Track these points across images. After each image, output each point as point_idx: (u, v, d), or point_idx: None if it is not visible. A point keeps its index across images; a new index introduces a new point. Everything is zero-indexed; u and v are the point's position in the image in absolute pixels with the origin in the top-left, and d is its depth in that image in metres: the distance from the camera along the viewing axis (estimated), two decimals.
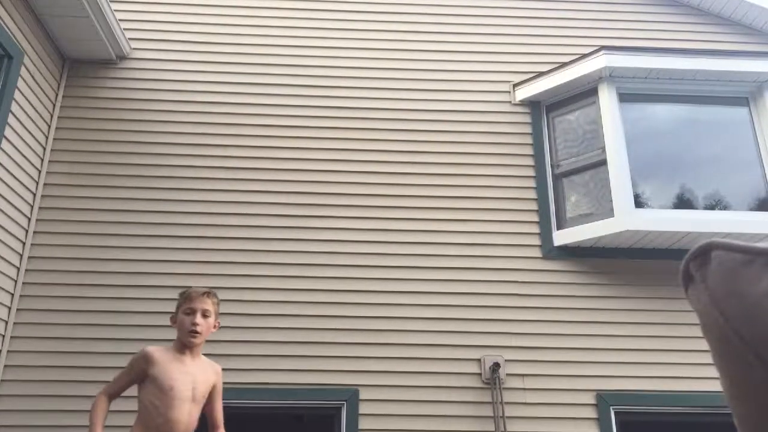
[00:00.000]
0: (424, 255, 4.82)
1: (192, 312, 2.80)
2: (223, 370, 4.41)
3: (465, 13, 5.65)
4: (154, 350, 2.78)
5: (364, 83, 5.32)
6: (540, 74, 5.29)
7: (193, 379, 2.77)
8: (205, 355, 4.44)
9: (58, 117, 4.97)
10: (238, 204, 4.87)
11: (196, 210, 4.83)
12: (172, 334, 4.58)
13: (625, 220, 4.68)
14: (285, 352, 4.50)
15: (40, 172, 4.76)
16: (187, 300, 2.83)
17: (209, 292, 2.88)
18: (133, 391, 4.31)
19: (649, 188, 5.12)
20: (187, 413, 2.71)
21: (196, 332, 2.79)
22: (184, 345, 2.81)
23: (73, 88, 5.10)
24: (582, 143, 5.11)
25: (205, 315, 2.81)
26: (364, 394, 4.41)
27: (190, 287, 2.97)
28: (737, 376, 0.40)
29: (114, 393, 2.76)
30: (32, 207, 4.65)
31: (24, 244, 4.56)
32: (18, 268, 4.48)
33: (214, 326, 2.89)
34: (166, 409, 2.66)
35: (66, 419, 4.22)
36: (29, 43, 4.56)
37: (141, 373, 2.71)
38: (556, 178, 5.12)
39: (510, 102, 5.36)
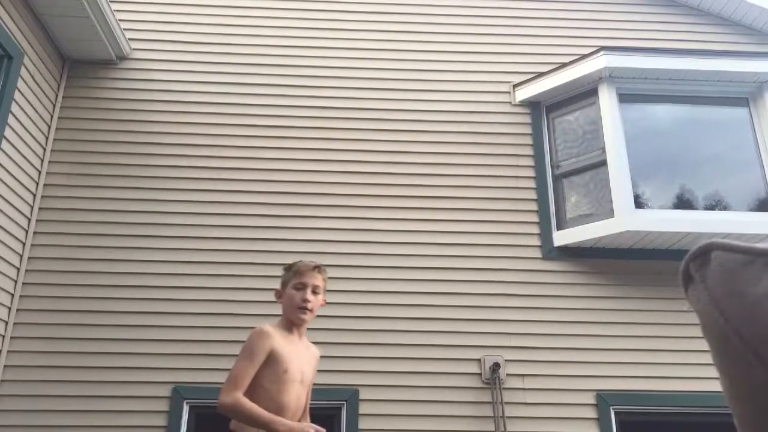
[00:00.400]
0: (424, 255, 4.82)
1: (302, 287, 2.58)
2: (222, 370, 4.43)
3: (465, 13, 5.65)
4: (269, 327, 2.52)
5: (361, 83, 5.32)
6: (540, 75, 5.29)
7: (301, 361, 2.57)
8: (200, 355, 4.47)
9: (58, 117, 4.97)
10: (238, 204, 4.87)
11: (196, 210, 4.83)
12: (178, 335, 4.61)
13: (625, 220, 4.68)
14: None
15: (40, 172, 4.76)
16: (296, 274, 2.60)
17: (319, 267, 2.66)
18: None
19: (649, 188, 5.12)
20: (296, 397, 2.51)
21: (307, 309, 2.57)
22: (291, 323, 2.59)
23: (73, 89, 5.10)
24: (582, 144, 5.11)
25: (315, 291, 2.61)
26: (364, 394, 4.41)
27: (296, 261, 2.70)
28: (737, 376, 0.40)
29: (243, 390, 2.40)
30: (32, 207, 4.65)
31: (24, 244, 4.56)
32: (18, 268, 4.48)
33: (321, 303, 2.68)
34: (277, 393, 2.43)
35: (66, 419, 4.23)
36: (29, 43, 4.56)
37: (266, 354, 2.43)
38: (556, 178, 5.12)
39: (510, 102, 5.36)
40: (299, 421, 2.55)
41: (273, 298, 4.59)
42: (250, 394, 2.39)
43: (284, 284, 2.64)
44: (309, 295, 2.57)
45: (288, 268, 2.68)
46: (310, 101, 5.23)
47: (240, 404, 2.32)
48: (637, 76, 5.14)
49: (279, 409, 2.40)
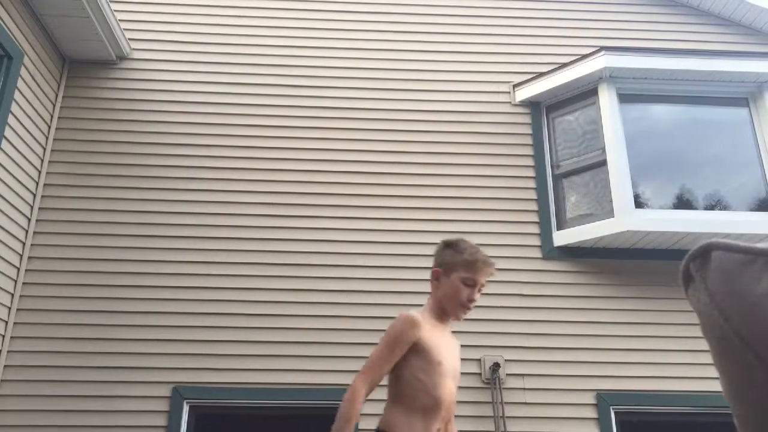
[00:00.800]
0: (424, 255, 4.81)
1: (473, 284, 2.29)
2: (222, 370, 4.44)
3: (464, 13, 5.65)
4: (417, 314, 2.23)
5: (360, 83, 5.32)
6: (540, 75, 5.29)
7: (452, 354, 2.31)
8: (200, 354, 4.47)
9: (58, 117, 4.97)
10: (237, 204, 4.87)
11: (196, 210, 4.83)
12: (179, 334, 4.62)
13: (625, 220, 4.68)
14: (285, 352, 4.50)
15: (40, 172, 4.76)
16: (471, 268, 2.28)
17: (493, 263, 2.36)
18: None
19: (649, 188, 5.12)
20: (450, 392, 2.25)
21: (469, 309, 2.32)
22: (445, 314, 2.33)
23: (73, 89, 5.10)
24: (582, 144, 5.11)
25: (479, 290, 2.32)
26: None
27: (462, 241, 2.37)
28: (737, 376, 0.40)
29: (378, 380, 2.19)
30: (32, 207, 4.65)
31: (24, 244, 4.56)
32: (18, 268, 4.48)
33: None
34: (434, 387, 2.17)
35: (66, 419, 4.22)
36: (29, 43, 4.56)
37: (409, 344, 2.16)
38: (556, 178, 5.12)
39: (510, 102, 5.36)
40: (446, 423, 2.29)
41: (273, 298, 4.63)
42: (404, 386, 2.19)
43: (449, 267, 2.32)
44: (477, 296, 2.32)
45: (456, 248, 2.34)
46: (311, 101, 5.23)
47: (354, 398, 2.15)
48: (637, 76, 5.14)
49: (436, 405, 2.18)
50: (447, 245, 2.38)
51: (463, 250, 2.32)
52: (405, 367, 2.18)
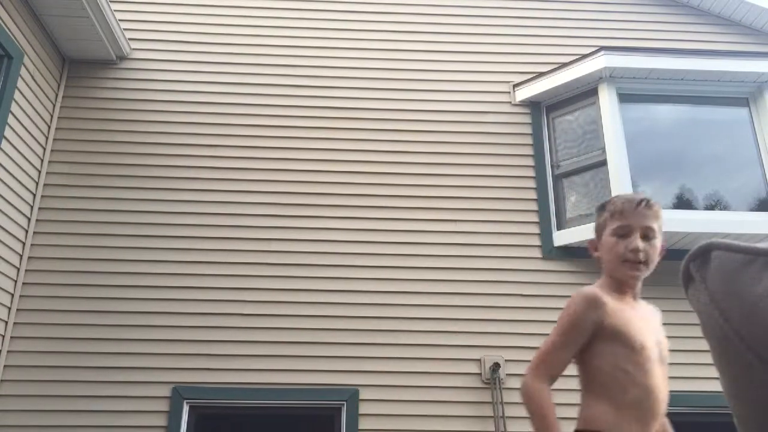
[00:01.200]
0: (424, 255, 4.82)
1: (628, 232, 1.85)
2: (222, 370, 4.44)
3: (465, 13, 5.65)
4: (598, 291, 1.83)
5: (361, 83, 5.32)
6: (540, 74, 5.29)
7: (655, 330, 1.95)
8: (200, 355, 4.47)
9: (58, 117, 4.97)
10: (237, 204, 4.87)
11: (197, 210, 4.83)
12: (178, 334, 4.62)
13: None
14: (285, 352, 4.50)
15: (40, 172, 4.76)
16: (616, 215, 1.87)
17: (649, 201, 1.87)
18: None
19: (649, 188, 5.12)
20: (662, 379, 1.91)
21: (638, 262, 1.83)
22: (620, 282, 1.89)
23: (73, 88, 5.10)
24: (582, 143, 5.11)
25: (647, 236, 1.85)
26: (364, 394, 4.41)
27: (611, 198, 2.01)
28: (737, 376, 0.40)
29: (556, 372, 1.86)
30: (32, 207, 4.65)
31: (24, 244, 4.56)
32: (18, 268, 4.48)
33: (661, 251, 1.90)
34: (642, 375, 1.81)
35: (66, 419, 4.23)
36: (29, 43, 4.56)
37: (592, 329, 1.77)
38: (556, 178, 5.12)
39: (510, 102, 5.36)
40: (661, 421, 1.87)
41: (274, 298, 4.63)
42: (606, 379, 1.81)
43: (600, 229, 1.95)
44: (638, 242, 1.83)
45: (602, 207, 1.97)
46: (311, 101, 5.23)
47: (541, 398, 1.86)
48: (637, 75, 5.14)
49: (649, 398, 1.84)
50: (597, 209, 2.02)
51: (609, 203, 1.95)
52: (601, 358, 1.79)
